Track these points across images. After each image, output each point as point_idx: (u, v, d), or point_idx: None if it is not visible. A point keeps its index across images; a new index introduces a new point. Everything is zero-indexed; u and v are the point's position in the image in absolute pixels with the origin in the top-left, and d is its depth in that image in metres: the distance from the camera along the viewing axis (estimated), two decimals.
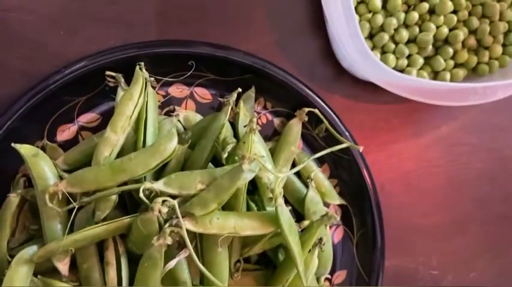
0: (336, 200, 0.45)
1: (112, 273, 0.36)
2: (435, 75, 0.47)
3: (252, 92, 0.43)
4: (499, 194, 0.51)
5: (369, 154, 0.47)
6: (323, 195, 0.44)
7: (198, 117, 0.43)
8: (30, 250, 0.36)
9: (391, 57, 0.45)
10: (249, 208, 0.40)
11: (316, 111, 0.42)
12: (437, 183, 0.49)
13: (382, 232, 0.44)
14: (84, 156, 0.39)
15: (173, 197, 0.36)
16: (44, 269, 0.36)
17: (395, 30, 0.46)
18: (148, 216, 0.32)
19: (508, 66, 0.47)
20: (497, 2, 0.46)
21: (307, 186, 0.43)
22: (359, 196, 0.45)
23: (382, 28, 0.46)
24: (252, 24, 0.46)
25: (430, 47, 0.46)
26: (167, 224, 0.32)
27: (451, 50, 0.46)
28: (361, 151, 0.42)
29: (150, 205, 0.32)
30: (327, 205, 0.45)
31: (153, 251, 0.32)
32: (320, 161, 0.45)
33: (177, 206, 0.31)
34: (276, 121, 0.45)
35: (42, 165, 0.37)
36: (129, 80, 0.39)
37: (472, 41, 0.46)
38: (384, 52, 0.46)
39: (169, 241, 0.31)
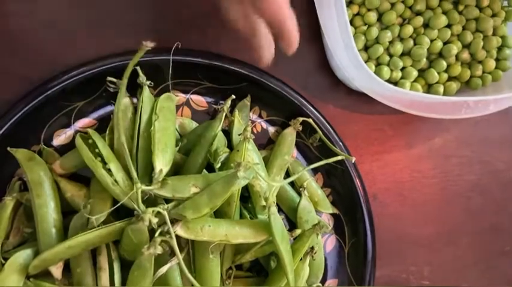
0: (328, 209, 0.45)
1: (104, 278, 0.36)
2: (429, 87, 0.48)
3: (247, 101, 0.44)
4: (491, 205, 0.51)
5: (362, 164, 0.48)
6: (316, 204, 0.45)
7: (194, 124, 0.43)
8: (24, 254, 0.36)
9: (385, 69, 0.46)
10: (242, 216, 0.40)
11: (311, 121, 0.43)
12: (429, 194, 0.50)
13: (373, 241, 0.45)
14: (80, 161, 0.39)
15: (167, 200, 0.37)
16: (37, 272, 0.36)
17: (390, 43, 0.46)
18: (139, 226, 0.32)
19: (501, 80, 0.48)
20: (491, 17, 0.47)
21: (300, 194, 0.44)
22: (351, 205, 0.45)
23: (377, 40, 0.46)
24: None
25: (424, 60, 0.47)
26: (157, 233, 0.32)
27: (444, 63, 0.47)
28: (353, 161, 0.42)
29: (140, 212, 0.33)
30: (319, 213, 0.45)
31: (143, 260, 0.32)
32: (313, 171, 0.46)
33: (167, 217, 0.32)
34: (271, 130, 0.46)
35: (37, 169, 0.37)
36: (127, 87, 0.40)
37: (466, 55, 0.47)
38: (378, 64, 0.47)
39: (159, 250, 0.31)
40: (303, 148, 0.46)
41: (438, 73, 0.47)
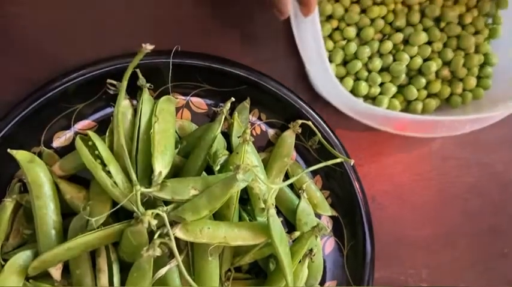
0: (327, 211, 0.45)
1: (104, 280, 0.36)
2: (408, 104, 0.47)
3: (247, 103, 0.44)
4: (489, 207, 0.51)
5: (361, 166, 0.48)
6: (315, 206, 0.45)
7: (194, 126, 0.44)
8: (24, 255, 0.36)
9: (363, 85, 0.45)
10: (241, 218, 0.40)
11: (310, 123, 0.43)
12: (427, 196, 0.50)
13: (372, 243, 0.45)
14: (80, 163, 0.39)
15: (167, 202, 0.37)
16: (36, 273, 0.36)
17: (369, 58, 0.46)
18: (138, 228, 0.32)
19: (482, 99, 0.47)
20: (473, 35, 0.46)
21: (299, 196, 0.44)
22: (350, 207, 0.45)
23: (355, 56, 0.46)
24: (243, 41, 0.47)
25: (404, 76, 0.46)
26: (156, 235, 0.32)
27: (424, 80, 0.46)
28: (352, 164, 0.42)
29: (139, 214, 0.33)
30: (318, 216, 0.45)
31: (142, 262, 0.32)
32: (312, 173, 0.46)
33: (166, 219, 0.32)
34: (270, 132, 0.46)
35: (37, 171, 0.37)
36: (127, 89, 0.40)
37: (446, 72, 0.46)
38: (357, 79, 0.46)
39: (158, 252, 0.31)
40: (302, 150, 0.46)
41: (417, 90, 0.46)
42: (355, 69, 0.45)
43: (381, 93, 0.46)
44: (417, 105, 0.46)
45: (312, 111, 0.44)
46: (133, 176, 0.34)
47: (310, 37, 0.40)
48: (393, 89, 0.46)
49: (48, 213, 0.37)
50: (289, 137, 0.44)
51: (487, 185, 0.51)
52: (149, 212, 0.33)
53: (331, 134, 0.44)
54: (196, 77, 0.43)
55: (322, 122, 0.44)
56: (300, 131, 0.44)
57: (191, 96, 0.44)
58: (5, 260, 0.36)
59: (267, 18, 0.44)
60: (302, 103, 0.44)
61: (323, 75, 0.41)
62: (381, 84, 0.46)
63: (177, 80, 0.43)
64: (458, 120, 0.42)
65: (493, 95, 0.47)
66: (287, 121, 0.45)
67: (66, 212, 0.38)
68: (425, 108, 0.46)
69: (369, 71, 0.46)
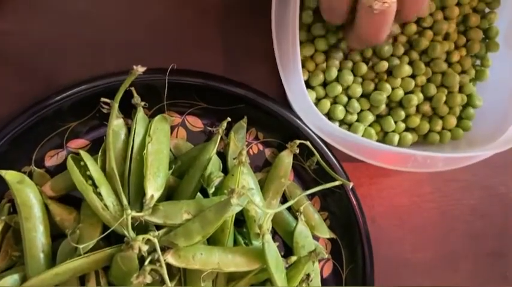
0: (325, 234, 0.44)
1: None
2: (384, 135, 0.45)
3: (243, 122, 0.43)
4: (492, 231, 0.50)
5: (360, 187, 0.47)
6: (313, 228, 0.44)
7: (189, 145, 0.43)
8: (11, 279, 0.35)
9: (340, 109, 0.44)
10: (236, 241, 0.39)
11: (308, 143, 0.42)
12: (429, 218, 0.49)
13: (372, 267, 0.44)
14: (72, 183, 0.38)
15: (159, 226, 0.36)
16: None
17: (349, 85, 0.44)
18: (128, 254, 0.31)
19: (460, 140, 0.46)
20: (459, 74, 0.45)
21: (296, 218, 0.43)
22: (349, 229, 0.44)
23: (337, 79, 0.44)
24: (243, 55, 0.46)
25: (384, 106, 0.45)
26: (147, 261, 0.31)
27: (403, 113, 0.44)
28: (350, 187, 0.41)
29: (131, 238, 0.32)
30: (316, 238, 0.44)
31: None
32: (310, 194, 0.45)
33: (157, 245, 0.31)
34: (268, 152, 0.45)
35: (27, 192, 0.36)
36: (122, 108, 0.39)
37: (427, 108, 0.45)
38: (335, 102, 0.45)
39: (148, 279, 0.30)
40: (300, 170, 0.45)
41: (395, 122, 0.45)
42: (335, 92, 0.44)
43: (357, 121, 0.45)
44: (393, 137, 0.44)
45: (310, 131, 0.43)
46: (124, 200, 0.33)
47: (290, 57, 0.39)
48: (370, 118, 0.44)
49: (37, 236, 0.36)
50: (286, 157, 0.43)
51: (489, 207, 0.50)
52: (140, 237, 0.32)
53: (330, 154, 0.43)
54: (192, 96, 0.42)
55: (320, 142, 0.43)
56: (297, 151, 0.43)
57: (187, 114, 0.43)
58: None
59: (263, 37, 0.43)
60: (300, 123, 0.43)
61: (300, 97, 0.40)
62: (359, 112, 0.45)
63: (172, 98, 0.42)
64: (432, 157, 0.41)
65: (472, 137, 0.46)
66: (285, 141, 0.44)
67: (57, 233, 0.37)
68: (402, 141, 0.45)
69: (349, 97, 0.44)
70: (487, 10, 0.47)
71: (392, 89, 0.44)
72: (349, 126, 0.45)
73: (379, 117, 0.45)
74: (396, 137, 0.44)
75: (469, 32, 0.46)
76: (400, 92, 0.44)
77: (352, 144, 0.41)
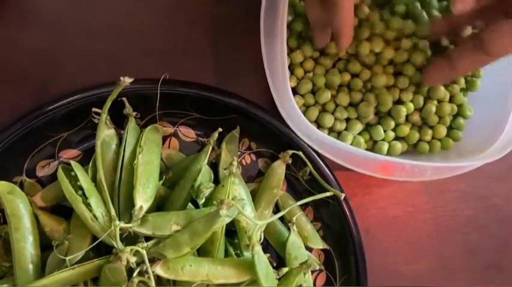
0: (318, 244, 0.44)
1: None
2: (374, 143, 0.45)
3: (236, 133, 0.43)
4: (488, 242, 0.50)
5: (354, 197, 0.47)
6: (305, 239, 0.43)
7: (181, 156, 0.42)
8: None
9: (328, 117, 0.43)
10: (227, 252, 0.39)
11: (301, 154, 0.42)
12: (424, 229, 0.48)
13: (365, 278, 0.43)
14: (62, 193, 0.38)
15: (148, 237, 0.35)
16: None
17: (338, 92, 0.44)
18: (116, 265, 0.31)
19: (451, 150, 0.45)
20: (449, 84, 0.45)
21: (289, 229, 0.43)
22: (343, 240, 0.44)
23: (325, 86, 0.44)
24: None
25: (373, 115, 0.44)
26: (135, 273, 0.31)
27: (392, 123, 0.44)
28: (342, 198, 0.41)
29: (119, 250, 0.31)
30: (309, 249, 0.44)
31: None
32: (303, 204, 0.44)
33: (145, 256, 0.31)
34: (260, 162, 0.45)
35: (17, 202, 0.36)
36: (115, 118, 0.39)
37: (416, 117, 0.45)
38: (323, 110, 0.44)
39: None
40: (293, 180, 0.45)
41: (385, 131, 0.44)
42: (323, 100, 0.43)
43: (346, 129, 0.44)
44: (383, 146, 0.44)
45: (303, 142, 0.43)
46: (112, 211, 0.32)
47: (279, 65, 0.39)
48: (359, 127, 0.44)
49: (26, 246, 0.35)
50: (279, 168, 0.43)
51: (485, 219, 0.49)
52: (128, 249, 0.32)
53: (323, 164, 0.43)
54: (185, 106, 0.42)
55: (313, 153, 0.43)
56: (290, 161, 0.43)
57: (179, 124, 0.43)
58: None
59: (253, 47, 0.43)
60: (292, 133, 0.42)
61: (288, 104, 0.40)
62: (348, 120, 0.45)
63: (165, 108, 0.42)
64: (419, 166, 0.40)
65: (463, 147, 0.45)
66: (277, 151, 0.44)
67: (47, 243, 0.37)
68: (391, 150, 0.45)
69: (337, 105, 0.44)
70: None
71: (379, 100, 0.44)
72: (338, 134, 0.44)
73: (368, 126, 0.45)
74: (385, 146, 0.44)
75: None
76: (388, 103, 0.44)
77: (338, 151, 0.41)
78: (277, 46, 0.39)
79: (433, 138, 0.46)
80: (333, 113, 0.44)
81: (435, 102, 0.45)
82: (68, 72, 0.43)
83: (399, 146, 0.44)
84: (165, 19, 0.45)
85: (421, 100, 0.44)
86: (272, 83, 0.40)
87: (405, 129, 0.44)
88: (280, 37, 0.38)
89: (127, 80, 0.29)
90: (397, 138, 0.45)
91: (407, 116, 0.45)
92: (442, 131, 0.45)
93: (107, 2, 0.44)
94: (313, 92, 0.45)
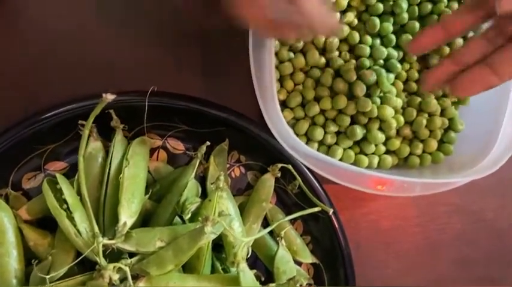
0: (307, 258, 0.44)
1: None
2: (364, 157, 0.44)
3: (225, 145, 0.43)
4: (479, 256, 0.49)
5: (344, 210, 0.46)
6: (294, 253, 0.43)
7: (169, 169, 0.42)
8: None
9: (319, 130, 0.43)
10: (213, 267, 0.39)
11: (290, 167, 0.42)
12: (414, 243, 0.48)
13: None
14: (47, 206, 0.38)
15: (132, 253, 0.35)
16: None
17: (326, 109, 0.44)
18: (99, 282, 0.31)
19: (441, 163, 0.45)
20: (440, 97, 0.45)
21: (278, 242, 0.42)
22: (332, 254, 0.43)
23: (314, 99, 0.44)
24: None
25: (361, 135, 0.44)
26: None
27: (383, 136, 0.44)
28: (330, 213, 0.41)
29: (102, 267, 0.31)
30: (298, 263, 0.44)
31: None
32: (293, 218, 0.44)
33: (129, 273, 0.30)
34: (250, 175, 0.44)
35: (1, 216, 0.36)
36: (103, 129, 0.39)
37: (407, 131, 0.44)
38: (313, 123, 0.44)
39: None
40: (282, 194, 0.44)
41: (375, 145, 0.44)
42: (313, 112, 0.43)
43: (336, 143, 0.44)
44: (373, 159, 0.44)
45: (292, 155, 0.42)
46: (95, 227, 0.32)
47: (267, 79, 0.39)
48: (349, 141, 0.44)
49: (10, 261, 0.35)
50: (268, 181, 0.43)
51: (476, 232, 0.49)
52: (111, 266, 0.31)
53: (312, 178, 0.43)
54: (173, 118, 0.42)
55: (302, 166, 0.43)
56: (279, 174, 0.43)
57: (168, 137, 0.43)
58: None
59: (242, 59, 0.42)
60: (282, 146, 0.42)
61: (275, 118, 0.39)
62: (338, 133, 0.44)
63: (153, 120, 0.41)
64: (408, 182, 0.40)
65: (453, 161, 0.45)
66: (267, 164, 0.43)
67: (31, 257, 0.37)
68: (381, 164, 0.44)
69: (326, 119, 0.44)
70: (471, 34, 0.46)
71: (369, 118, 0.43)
72: (328, 148, 0.44)
73: (359, 140, 0.45)
74: (376, 160, 0.44)
75: None
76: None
77: (326, 166, 0.40)
78: (265, 60, 0.39)
79: (423, 152, 0.45)
80: (323, 127, 0.44)
81: (426, 115, 0.45)
82: (55, 83, 0.43)
83: (390, 159, 0.44)
84: (155, 32, 0.45)
85: (412, 113, 0.44)
86: (260, 97, 0.39)
87: (396, 143, 0.44)
88: (268, 52, 0.38)
89: (109, 97, 0.29)
90: (387, 152, 0.45)
91: (398, 130, 0.44)
92: (433, 144, 0.45)
93: (97, 14, 0.44)
94: (303, 105, 0.44)
